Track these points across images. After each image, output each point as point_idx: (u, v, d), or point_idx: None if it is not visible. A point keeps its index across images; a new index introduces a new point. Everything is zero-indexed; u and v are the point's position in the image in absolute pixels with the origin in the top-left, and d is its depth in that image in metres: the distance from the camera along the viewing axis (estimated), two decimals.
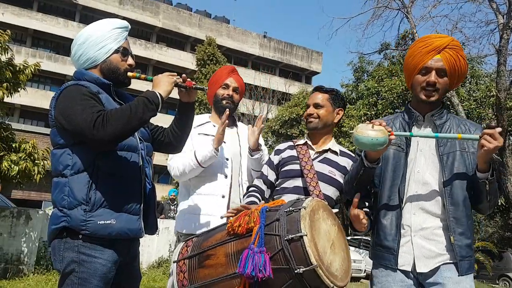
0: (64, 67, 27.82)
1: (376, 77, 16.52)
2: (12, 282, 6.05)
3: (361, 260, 12.34)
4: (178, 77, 1.94)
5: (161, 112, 1.89)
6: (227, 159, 2.60)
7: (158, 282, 6.90)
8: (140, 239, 1.96)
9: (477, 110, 14.07)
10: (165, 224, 8.54)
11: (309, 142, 2.36)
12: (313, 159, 2.28)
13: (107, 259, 1.75)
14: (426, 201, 1.93)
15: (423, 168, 1.96)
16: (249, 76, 28.68)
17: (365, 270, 12.15)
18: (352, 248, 13.00)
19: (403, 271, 1.91)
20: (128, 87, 2.02)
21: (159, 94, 1.79)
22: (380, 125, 1.78)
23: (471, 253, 1.89)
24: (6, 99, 6.26)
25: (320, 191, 2.17)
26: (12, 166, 6.17)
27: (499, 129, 1.73)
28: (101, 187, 1.74)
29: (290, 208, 1.70)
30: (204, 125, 2.67)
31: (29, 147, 6.45)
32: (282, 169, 2.34)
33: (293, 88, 26.26)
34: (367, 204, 2.10)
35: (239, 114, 17.75)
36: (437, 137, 1.89)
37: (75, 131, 1.70)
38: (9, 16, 26.87)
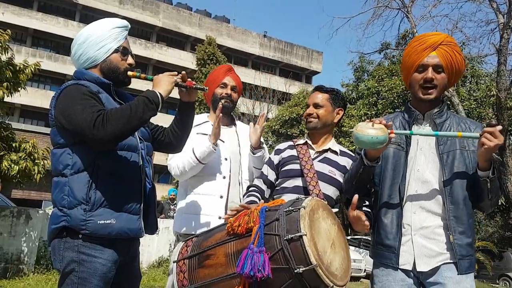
0: (64, 66, 27.82)
1: (377, 76, 16.53)
2: (12, 281, 6.06)
3: (361, 259, 12.35)
4: (179, 76, 1.94)
5: (161, 111, 1.89)
6: (225, 159, 2.60)
7: (158, 282, 6.91)
8: (140, 238, 1.96)
9: (478, 110, 14.07)
10: (165, 224, 8.55)
11: (309, 142, 2.36)
12: (313, 159, 2.28)
13: (107, 259, 1.75)
14: (426, 200, 1.92)
15: (423, 167, 1.96)
16: (249, 75, 28.68)
17: (365, 270, 12.15)
18: (352, 248, 13.00)
19: (404, 270, 1.91)
20: (128, 86, 2.03)
21: (160, 93, 1.79)
22: (380, 123, 1.78)
23: (471, 252, 1.88)
24: (6, 99, 6.26)
25: (320, 190, 2.17)
26: (12, 165, 6.17)
27: (499, 127, 1.73)
28: (101, 187, 1.74)
29: (290, 207, 1.70)
30: (202, 124, 2.67)
31: (29, 146, 6.46)
32: (282, 169, 2.34)
33: (293, 87, 26.27)
34: (367, 202, 2.10)
35: (239, 113, 17.75)
36: (437, 135, 1.89)
37: (75, 130, 1.70)
38: (9, 15, 26.87)
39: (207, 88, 2.11)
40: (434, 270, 1.87)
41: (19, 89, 6.52)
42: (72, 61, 1.97)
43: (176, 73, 1.93)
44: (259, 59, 35.94)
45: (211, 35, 20.50)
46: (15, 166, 6.18)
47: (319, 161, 2.28)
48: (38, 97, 26.57)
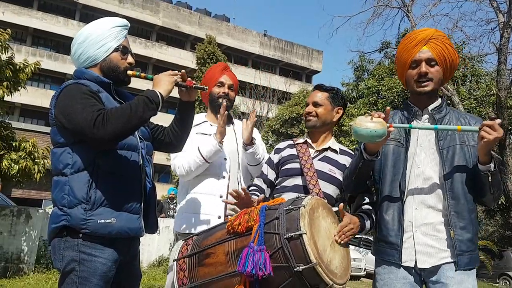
0: (64, 65, 27.82)
1: (377, 76, 16.51)
2: (12, 281, 6.06)
3: (361, 258, 12.37)
4: (179, 76, 1.94)
5: (161, 111, 1.89)
6: (225, 159, 2.60)
7: (158, 281, 6.91)
8: (141, 238, 1.96)
9: (478, 109, 14.06)
10: (165, 223, 8.55)
11: (309, 141, 2.36)
12: (313, 158, 2.28)
13: (107, 258, 1.75)
14: (428, 196, 1.92)
15: (424, 163, 1.96)
16: (249, 75, 28.69)
17: (365, 269, 12.17)
18: (352, 247, 13.01)
19: (406, 268, 1.91)
20: (128, 86, 2.03)
21: (160, 93, 1.79)
22: (379, 117, 1.78)
23: (472, 248, 1.87)
24: (6, 98, 6.26)
25: (320, 189, 2.17)
26: (12, 165, 6.18)
27: (498, 121, 1.73)
28: (101, 186, 1.75)
29: (290, 206, 1.70)
30: (201, 124, 2.67)
31: (29, 146, 6.46)
32: (282, 168, 2.34)
33: (294, 87, 26.27)
34: (366, 200, 2.10)
35: (239, 113, 17.75)
36: (436, 129, 1.89)
37: (75, 129, 1.70)
38: (9, 15, 26.86)
39: (207, 87, 2.11)
40: (436, 268, 1.87)
41: (19, 88, 6.52)
42: (72, 60, 1.97)
43: (176, 72, 1.94)
44: (259, 58, 35.93)
45: (211, 34, 20.48)
46: (15, 165, 6.18)
47: (319, 159, 2.29)
48: (38, 96, 26.57)
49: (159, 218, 2.61)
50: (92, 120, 1.63)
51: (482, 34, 18.52)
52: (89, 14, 29.01)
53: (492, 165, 1.79)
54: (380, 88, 15.82)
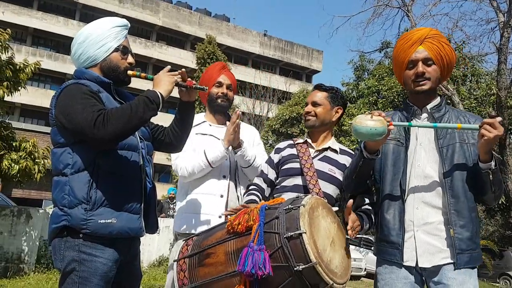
0: (64, 65, 27.82)
1: (377, 75, 16.51)
2: (12, 281, 6.06)
3: (361, 258, 12.35)
4: (179, 76, 1.94)
5: (162, 111, 1.89)
6: (226, 159, 2.60)
7: (158, 281, 6.91)
8: (141, 238, 1.96)
9: (478, 109, 14.05)
10: (165, 223, 8.55)
11: (309, 141, 2.36)
12: (313, 157, 2.28)
13: (108, 258, 1.75)
14: (428, 194, 1.92)
15: (424, 162, 1.96)
16: (249, 74, 28.69)
17: (365, 269, 12.16)
18: (352, 247, 12.99)
19: (407, 268, 1.91)
20: (129, 86, 2.03)
21: (160, 93, 1.79)
22: (379, 115, 1.78)
23: (472, 246, 1.86)
24: (6, 98, 6.26)
25: (320, 189, 2.17)
26: (13, 165, 6.18)
27: (499, 118, 1.73)
28: (101, 186, 1.75)
29: (289, 206, 1.70)
30: (200, 125, 2.66)
31: (30, 146, 6.46)
32: (282, 168, 2.35)
33: (294, 86, 26.25)
34: (367, 200, 2.10)
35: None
36: (435, 127, 1.89)
37: (76, 130, 1.70)
38: (9, 15, 26.86)
39: (207, 88, 2.11)
40: (437, 268, 1.87)
41: (19, 88, 6.52)
42: (72, 60, 1.97)
43: (176, 72, 1.94)
44: (259, 58, 35.92)
45: (211, 34, 20.48)
46: (15, 166, 6.18)
47: (319, 159, 2.29)
48: (38, 96, 26.58)
49: (159, 218, 2.61)
50: (93, 120, 1.63)
51: (482, 33, 18.56)
52: (89, 14, 29.01)
53: (493, 163, 1.79)
54: (380, 87, 15.82)
